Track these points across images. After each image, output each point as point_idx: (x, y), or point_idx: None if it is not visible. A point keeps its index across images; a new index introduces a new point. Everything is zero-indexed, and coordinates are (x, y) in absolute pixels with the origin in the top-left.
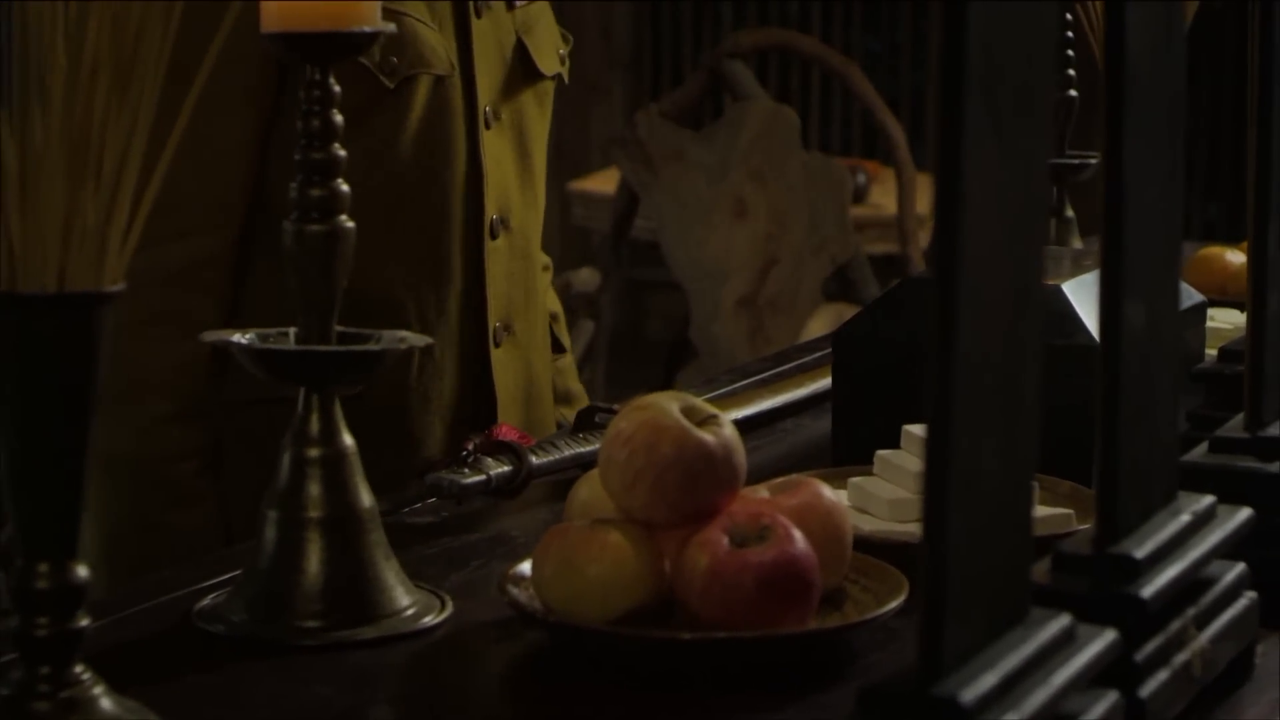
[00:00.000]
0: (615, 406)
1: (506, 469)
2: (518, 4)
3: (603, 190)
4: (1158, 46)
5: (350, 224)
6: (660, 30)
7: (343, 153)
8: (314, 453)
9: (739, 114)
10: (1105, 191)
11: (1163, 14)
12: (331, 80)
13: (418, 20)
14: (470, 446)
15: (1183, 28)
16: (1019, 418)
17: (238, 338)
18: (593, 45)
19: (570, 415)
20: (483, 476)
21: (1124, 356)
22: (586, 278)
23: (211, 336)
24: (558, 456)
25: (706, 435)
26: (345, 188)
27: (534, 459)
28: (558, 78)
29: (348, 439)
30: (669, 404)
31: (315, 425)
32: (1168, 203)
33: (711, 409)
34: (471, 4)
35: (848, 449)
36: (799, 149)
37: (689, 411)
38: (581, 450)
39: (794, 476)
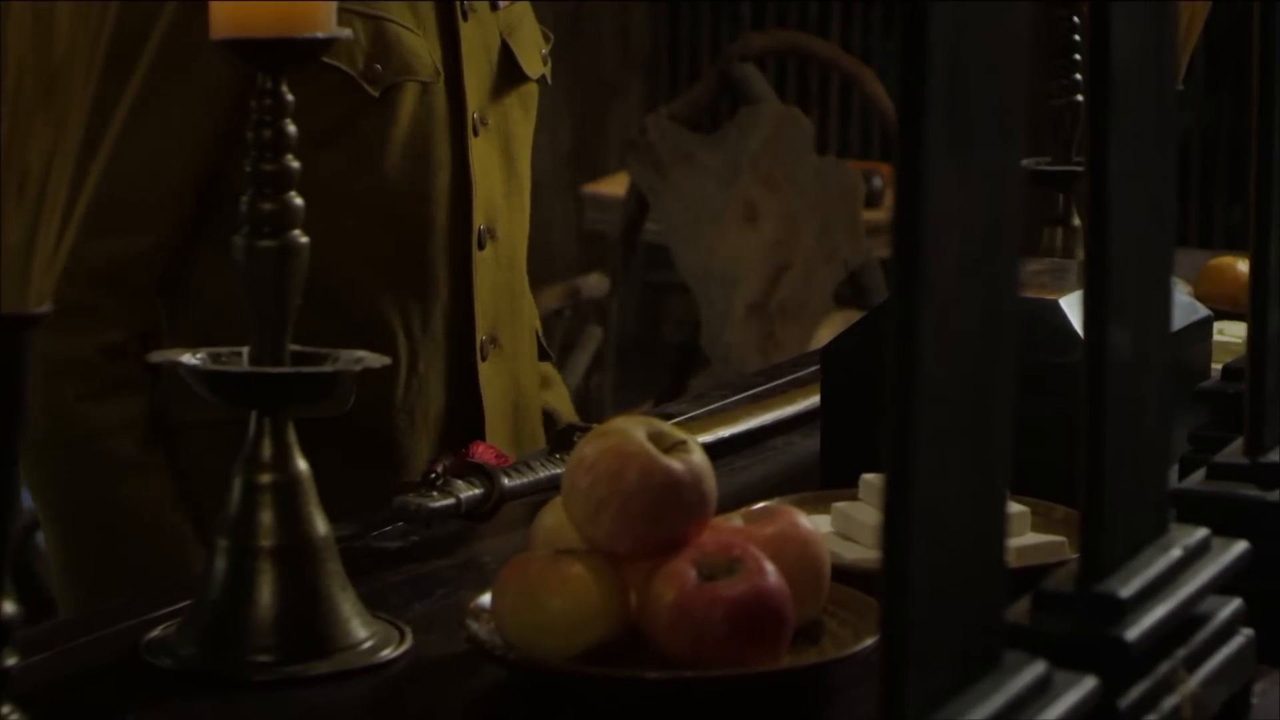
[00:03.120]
0: (594, 426)
1: (477, 492)
2: (502, 4)
3: (616, 193)
4: (1146, 49)
5: (304, 239)
6: (678, 30)
7: (295, 164)
8: (266, 478)
9: (749, 117)
10: (1089, 207)
11: (1152, 14)
12: (284, 89)
13: (401, 25)
14: (439, 469)
15: (1174, 28)
16: (991, 446)
17: (187, 358)
18: (610, 45)
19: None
20: (452, 500)
21: (1109, 383)
22: (595, 283)
23: (159, 357)
24: (531, 479)
25: (674, 462)
26: (299, 201)
27: (506, 481)
28: (541, 80)
29: (301, 464)
30: (635, 429)
31: (267, 450)
32: (1158, 217)
33: (680, 434)
34: (458, 6)
35: (837, 467)
36: (810, 153)
37: (656, 437)
38: (557, 472)
39: (770, 504)
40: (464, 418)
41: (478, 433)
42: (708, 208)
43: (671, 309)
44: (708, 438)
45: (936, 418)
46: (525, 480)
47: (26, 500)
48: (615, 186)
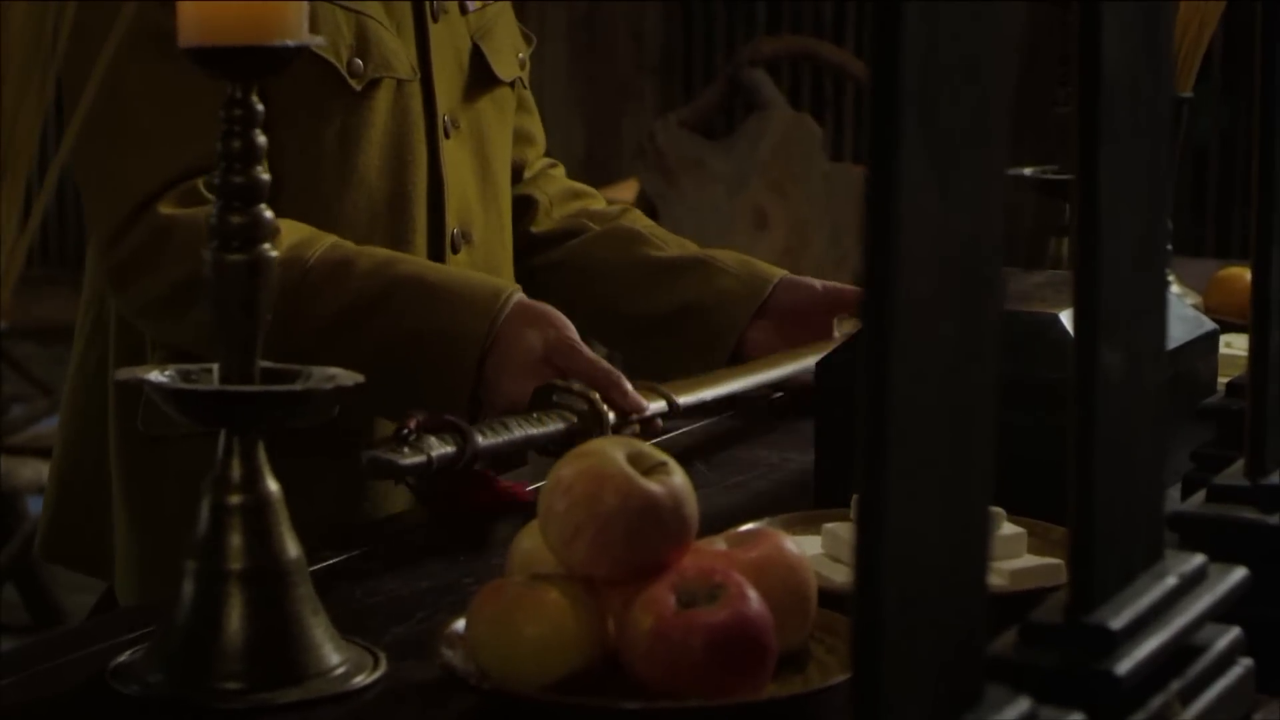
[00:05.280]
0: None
1: (450, 450)
2: (472, 8)
3: (626, 200)
4: (1139, 55)
5: (274, 253)
6: (692, 34)
7: (266, 176)
8: (235, 500)
9: (759, 123)
10: (1078, 222)
11: (1145, 19)
12: (254, 98)
13: (378, 23)
14: (412, 424)
15: (1170, 33)
16: (971, 468)
17: (154, 375)
18: (624, 48)
19: None
20: (423, 457)
21: (1099, 404)
22: None
23: (126, 374)
24: (507, 438)
25: (653, 485)
26: (269, 214)
27: (480, 439)
28: (517, 82)
29: (272, 484)
30: (614, 450)
31: (236, 470)
32: (1153, 230)
33: (661, 455)
34: (428, 7)
35: (832, 485)
36: (820, 159)
37: (635, 459)
38: (533, 432)
39: (756, 526)
40: None
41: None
42: (717, 214)
43: None
44: (689, 399)
45: (910, 439)
46: (500, 439)
47: (34, 509)
48: (625, 193)
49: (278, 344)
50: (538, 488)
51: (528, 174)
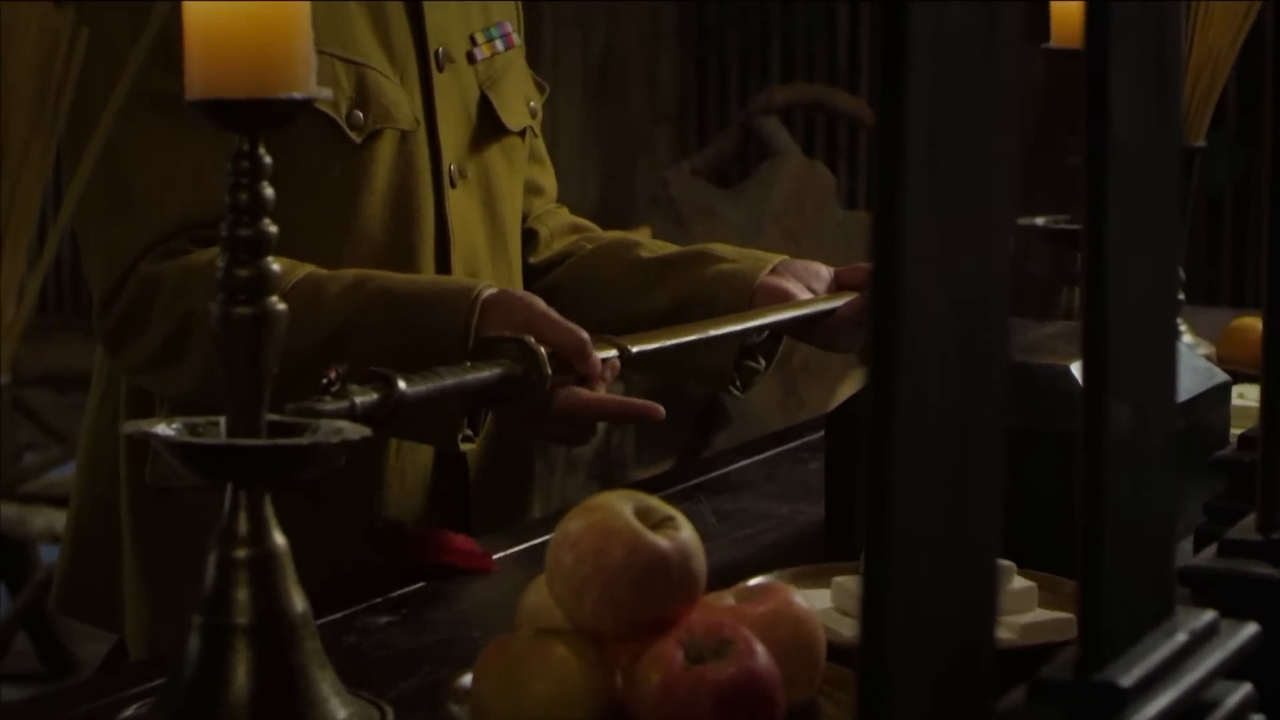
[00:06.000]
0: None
1: (373, 397)
2: (480, 56)
3: None
4: (1148, 107)
5: (282, 306)
6: (706, 81)
7: (273, 229)
8: (241, 553)
9: (771, 172)
10: (1085, 273)
11: (1154, 71)
12: (261, 151)
13: (381, 74)
14: (333, 374)
15: (1178, 82)
16: (977, 522)
17: (161, 429)
18: (638, 96)
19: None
20: (346, 403)
21: (1108, 458)
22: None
23: (133, 428)
24: (436, 384)
25: (661, 539)
26: (276, 267)
27: (404, 386)
28: (527, 131)
29: (278, 538)
30: (621, 504)
31: (243, 524)
32: (1162, 283)
33: (669, 509)
34: (433, 57)
35: (842, 534)
36: (834, 207)
37: (643, 513)
38: (466, 378)
39: (764, 580)
40: (450, 474)
41: (463, 491)
42: None
43: None
44: (643, 347)
45: (915, 492)
46: (427, 387)
47: (47, 557)
48: None
49: None
50: (505, 556)
51: (531, 216)
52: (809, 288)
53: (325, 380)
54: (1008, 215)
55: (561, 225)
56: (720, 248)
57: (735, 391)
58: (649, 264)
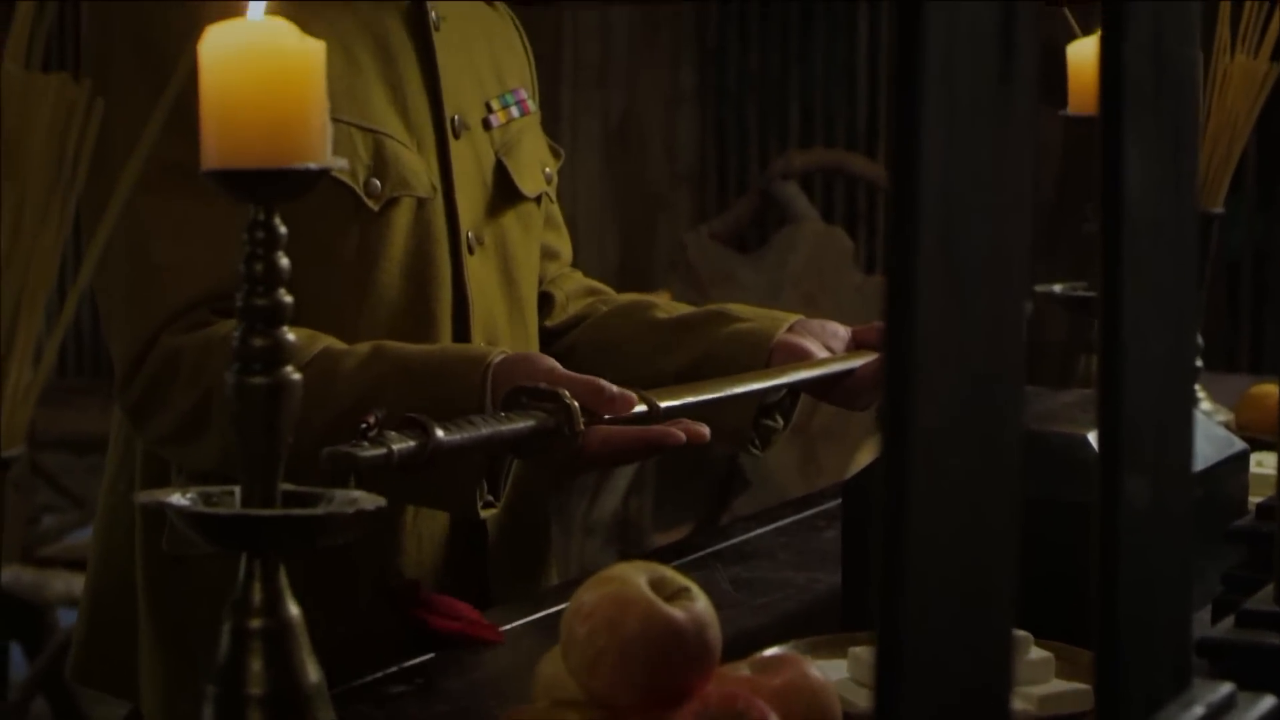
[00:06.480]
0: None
1: (411, 444)
2: (495, 123)
3: None
4: (1164, 177)
5: (296, 376)
6: (725, 145)
7: (288, 299)
8: (256, 624)
9: (789, 237)
10: (1101, 342)
11: (1170, 141)
12: (277, 221)
13: (398, 142)
14: (372, 420)
15: (1194, 149)
16: (992, 593)
17: (175, 498)
18: (656, 159)
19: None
20: (384, 450)
21: (1123, 528)
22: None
23: (148, 497)
24: (472, 434)
25: (676, 610)
26: (291, 336)
27: (441, 434)
28: (543, 197)
29: (293, 608)
30: (635, 575)
31: (258, 594)
32: (1178, 350)
33: (684, 580)
34: (449, 124)
35: (859, 603)
36: (852, 272)
37: (657, 583)
38: (501, 429)
39: (780, 651)
40: (468, 540)
41: (481, 556)
42: None
43: None
44: (671, 403)
45: (930, 563)
46: (463, 435)
47: (65, 621)
48: None
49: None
50: (520, 625)
51: (547, 279)
52: (827, 346)
53: (364, 425)
54: (1023, 284)
55: (577, 288)
56: (737, 308)
57: (754, 450)
58: (665, 325)
